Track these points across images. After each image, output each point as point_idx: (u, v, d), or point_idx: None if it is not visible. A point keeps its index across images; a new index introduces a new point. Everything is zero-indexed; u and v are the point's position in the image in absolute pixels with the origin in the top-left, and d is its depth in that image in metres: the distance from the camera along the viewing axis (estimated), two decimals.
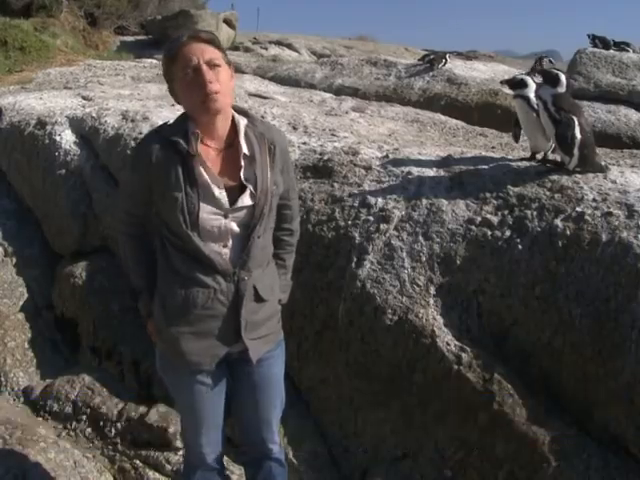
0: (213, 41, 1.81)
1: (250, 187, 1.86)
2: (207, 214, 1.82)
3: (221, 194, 1.83)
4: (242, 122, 1.90)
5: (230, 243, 1.87)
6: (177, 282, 1.87)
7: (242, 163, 1.87)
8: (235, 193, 1.85)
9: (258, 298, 1.93)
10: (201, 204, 1.81)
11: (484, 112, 6.55)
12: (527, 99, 2.86)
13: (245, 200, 1.85)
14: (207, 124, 1.83)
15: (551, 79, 2.70)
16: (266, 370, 2.03)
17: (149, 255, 2.02)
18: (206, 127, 1.84)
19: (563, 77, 2.70)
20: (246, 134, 1.89)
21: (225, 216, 1.84)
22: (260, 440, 2.12)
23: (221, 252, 1.86)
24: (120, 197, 2.05)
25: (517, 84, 2.91)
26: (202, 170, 1.82)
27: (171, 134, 1.83)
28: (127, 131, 4.11)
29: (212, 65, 1.77)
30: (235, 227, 1.86)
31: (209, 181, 1.82)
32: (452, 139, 4.51)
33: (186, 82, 1.78)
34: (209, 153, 1.86)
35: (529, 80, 2.88)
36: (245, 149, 1.87)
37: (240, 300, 1.88)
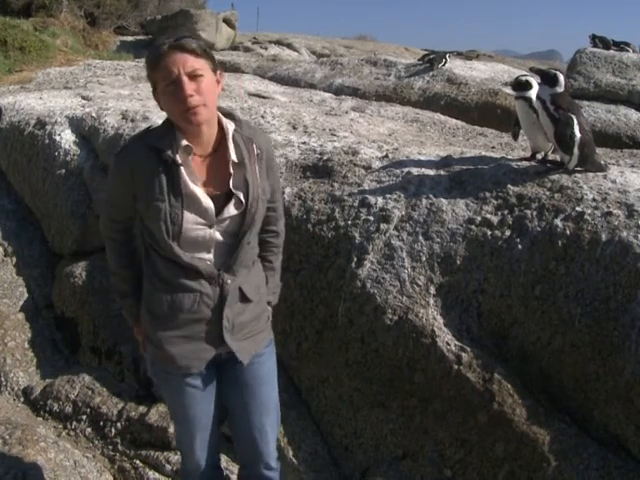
0: (195, 50, 1.74)
1: (240, 195, 1.82)
2: (191, 224, 1.79)
3: (208, 204, 1.80)
4: (230, 127, 1.86)
5: (213, 250, 1.85)
6: (162, 288, 1.86)
7: (231, 171, 1.83)
8: (221, 202, 1.83)
9: (244, 299, 1.92)
10: (185, 214, 1.77)
11: (484, 112, 6.55)
12: (529, 100, 2.86)
13: (230, 210, 1.83)
14: (192, 133, 1.80)
15: (549, 79, 2.70)
16: (256, 368, 2.01)
17: (134, 260, 2.00)
18: (192, 135, 1.80)
19: (561, 76, 2.70)
20: (234, 139, 1.85)
21: (210, 226, 1.82)
22: (255, 451, 2.08)
23: (204, 258, 1.84)
24: (104, 203, 2.02)
25: (522, 85, 2.90)
26: (188, 180, 1.78)
27: (156, 141, 1.79)
28: (127, 131, 4.11)
29: (194, 76, 1.72)
30: (219, 236, 1.84)
31: (195, 192, 1.79)
32: (452, 139, 4.51)
33: (167, 94, 1.74)
34: (195, 161, 1.82)
35: (534, 82, 2.87)
36: (234, 156, 1.83)
37: (224, 302, 1.87)
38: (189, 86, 1.70)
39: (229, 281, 1.87)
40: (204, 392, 1.97)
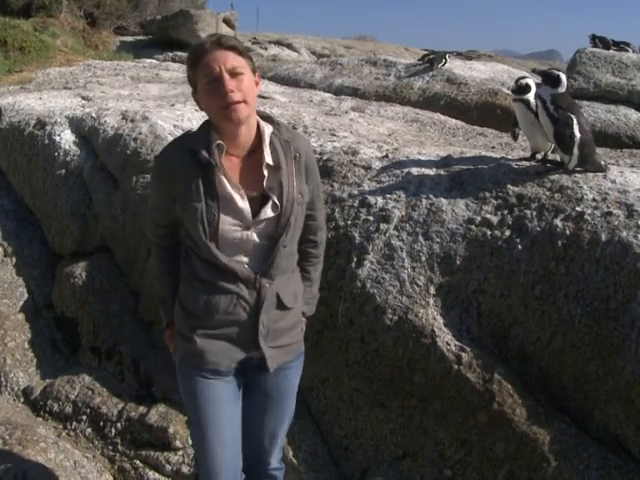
0: (236, 48, 1.77)
1: (274, 197, 1.81)
2: (228, 226, 1.79)
3: (244, 205, 1.80)
4: (267, 130, 1.86)
5: (251, 252, 1.84)
6: (200, 289, 1.86)
7: (265, 173, 1.82)
8: (257, 204, 1.82)
9: (281, 306, 1.89)
10: (221, 216, 1.77)
11: (484, 112, 6.56)
12: (527, 102, 2.87)
13: (267, 212, 1.81)
14: (231, 133, 1.80)
15: (552, 80, 2.69)
16: (282, 381, 2.00)
17: (176, 267, 1.98)
18: (230, 136, 1.80)
19: (564, 78, 2.70)
20: (271, 142, 1.85)
21: (247, 228, 1.81)
22: (262, 454, 2.08)
23: (242, 261, 1.83)
24: (149, 208, 2.03)
25: (522, 88, 2.90)
26: (224, 181, 1.78)
27: (193, 143, 1.80)
28: (127, 131, 4.11)
29: (234, 73, 1.74)
30: (257, 238, 1.82)
31: (231, 192, 1.79)
32: (452, 139, 4.51)
33: (208, 91, 1.75)
34: (231, 162, 1.82)
35: (533, 84, 2.88)
36: (268, 159, 1.82)
37: (260, 307, 1.85)
38: (230, 82, 1.72)
39: (267, 285, 1.85)
40: (229, 396, 1.93)
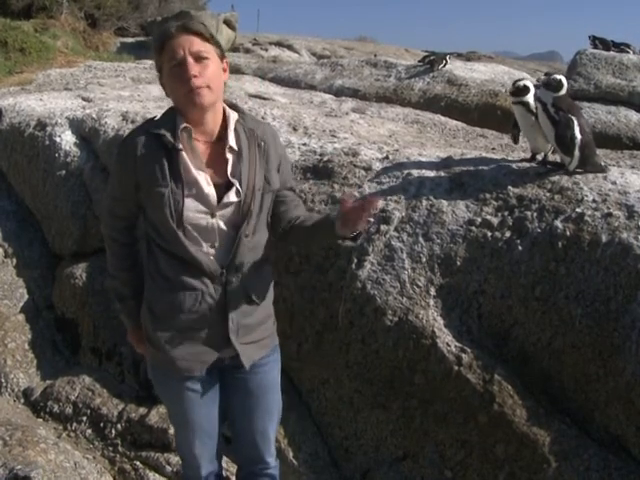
0: (202, 33, 1.76)
1: (236, 183, 1.80)
2: (192, 212, 1.76)
3: (210, 190, 1.78)
4: (233, 116, 1.85)
5: (218, 243, 1.81)
6: (164, 286, 1.82)
7: (228, 157, 1.81)
8: (222, 190, 1.80)
9: (249, 300, 1.87)
10: (186, 201, 1.75)
11: (484, 113, 6.56)
12: (526, 104, 2.87)
13: (231, 197, 1.79)
14: (196, 118, 1.79)
15: (554, 87, 2.69)
16: (261, 377, 1.97)
17: (136, 262, 1.96)
18: (195, 121, 1.79)
19: (565, 82, 2.70)
20: (235, 129, 1.84)
21: (212, 215, 1.78)
22: (256, 453, 2.06)
23: (208, 252, 1.80)
24: (107, 200, 1.97)
25: (521, 91, 2.90)
26: (190, 165, 1.76)
27: (157, 127, 1.78)
28: (127, 132, 4.11)
29: (199, 58, 1.73)
30: (223, 226, 1.80)
31: (196, 177, 1.77)
32: (452, 140, 4.51)
33: (172, 76, 1.74)
34: (198, 148, 1.80)
35: (531, 86, 2.89)
36: (232, 142, 1.81)
37: (228, 302, 1.82)
38: (194, 67, 1.71)
39: (233, 279, 1.82)
40: (205, 397, 1.92)
